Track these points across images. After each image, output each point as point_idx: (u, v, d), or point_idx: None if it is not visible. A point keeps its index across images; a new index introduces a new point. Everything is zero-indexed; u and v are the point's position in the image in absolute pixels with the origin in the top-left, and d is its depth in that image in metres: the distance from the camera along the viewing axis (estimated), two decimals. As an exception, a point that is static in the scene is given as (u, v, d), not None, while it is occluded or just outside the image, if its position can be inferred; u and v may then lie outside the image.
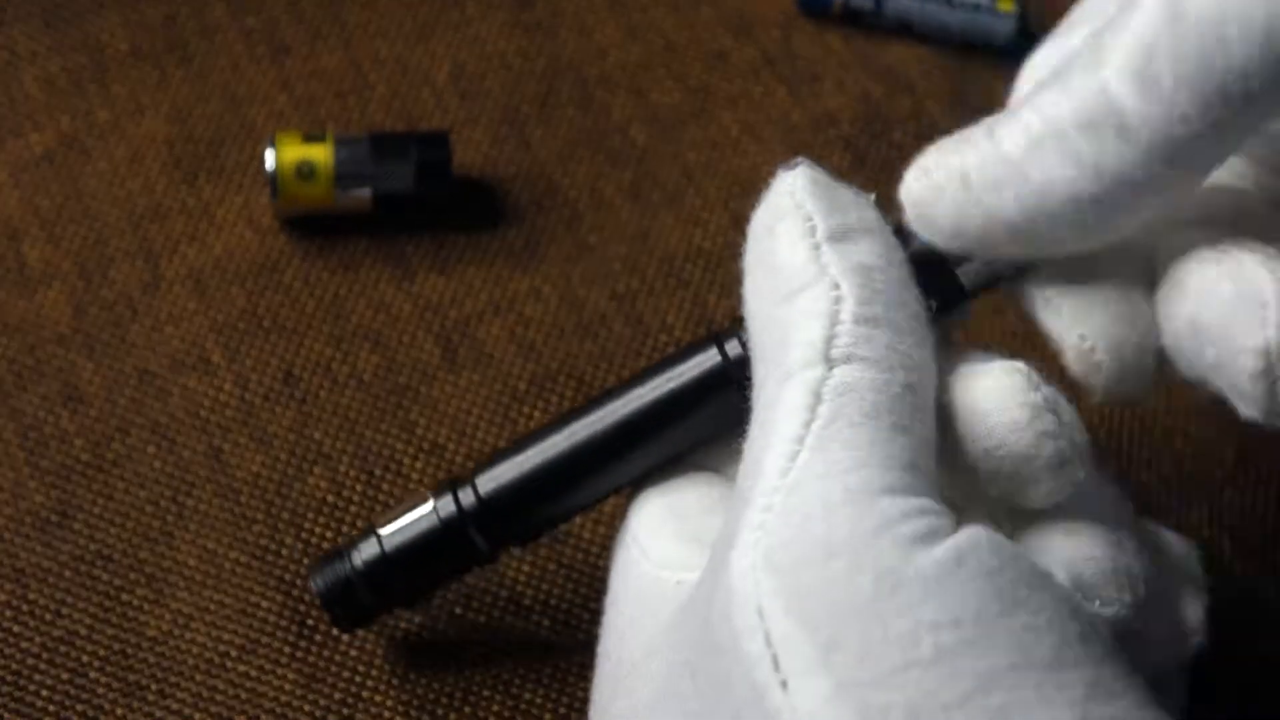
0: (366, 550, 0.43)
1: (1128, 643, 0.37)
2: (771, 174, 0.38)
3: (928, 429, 0.36)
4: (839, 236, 0.37)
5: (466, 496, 0.42)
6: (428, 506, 0.43)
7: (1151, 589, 0.38)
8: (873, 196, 0.38)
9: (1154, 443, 0.51)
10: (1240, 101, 0.34)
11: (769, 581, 0.33)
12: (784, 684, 0.32)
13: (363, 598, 0.44)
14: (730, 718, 0.33)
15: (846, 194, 0.38)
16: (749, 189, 0.38)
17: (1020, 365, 0.37)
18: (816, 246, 0.37)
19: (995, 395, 0.36)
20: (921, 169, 0.38)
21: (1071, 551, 0.37)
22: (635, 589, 0.39)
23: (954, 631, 0.32)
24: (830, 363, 0.35)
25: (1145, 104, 0.35)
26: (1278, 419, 0.36)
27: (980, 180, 0.37)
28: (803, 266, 0.36)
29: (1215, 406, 0.51)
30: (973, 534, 0.34)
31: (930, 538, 0.33)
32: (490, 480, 0.42)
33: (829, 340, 0.35)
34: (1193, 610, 0.40)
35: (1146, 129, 0.35)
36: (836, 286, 0.36)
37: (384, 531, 0.43)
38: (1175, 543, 0.41)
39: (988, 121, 0.38)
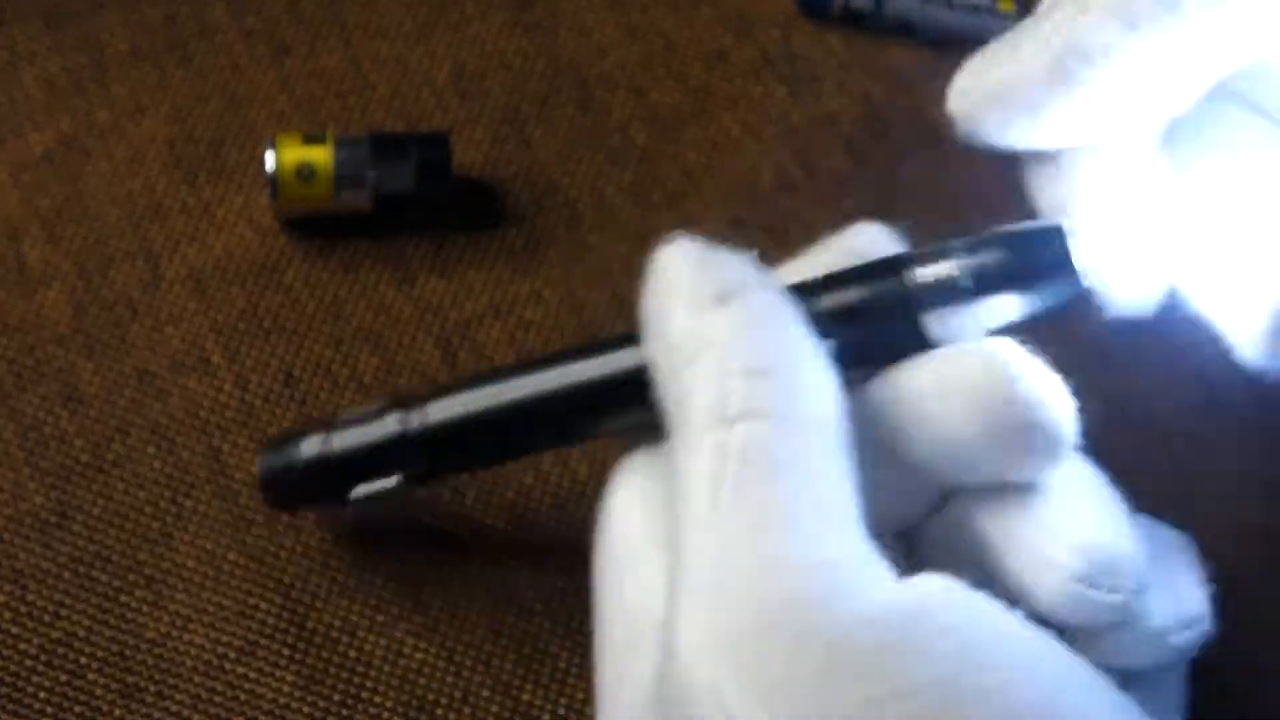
0: (316, 443, 0.46)
1: (1132, 629, 0.37)
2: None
3: (840, 468, 0.36)
4: (721, 300, 0.38)
5: (418, 418, 0.44)
6: (380, 415, 0.45)
7: (1153, 575, 0.38)
8: (754, 254, 0.39)
9: (1154, 443, 0.51)
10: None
11: (715, 661, 0.33)
12: None
13: (300, 483, 0.46)
14: None
15: (725, 259, 0.39)
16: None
17: (1000, 340, 0.38)
18: (700, 313, 0.38)
19: (978, 372, 0.37)
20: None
21: (1074, 538, 0.37)
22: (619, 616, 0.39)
23: (909, 700, 0.32)
24: (729, 422, 0.36)
25: None
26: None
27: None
28: (691, 336, 0.38)
29: (1215, 406, 0.52)
30: (918, 591, 0.34)
31: (865, 593, 0.34)
32: (441, 410, 0.44)
33: (723, 401, 0.36)
34: (1195, 597, 0.40)
35: None
36: (723, 348, 0.37)
37: (336, 423, 0.46)
38: (1171, 535, 0.41)
39: None
